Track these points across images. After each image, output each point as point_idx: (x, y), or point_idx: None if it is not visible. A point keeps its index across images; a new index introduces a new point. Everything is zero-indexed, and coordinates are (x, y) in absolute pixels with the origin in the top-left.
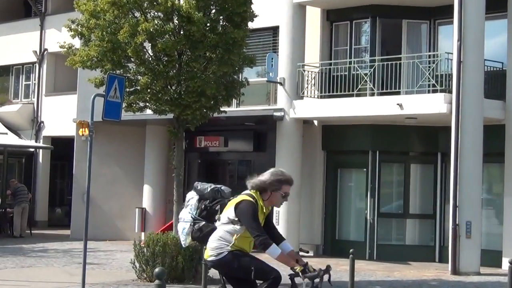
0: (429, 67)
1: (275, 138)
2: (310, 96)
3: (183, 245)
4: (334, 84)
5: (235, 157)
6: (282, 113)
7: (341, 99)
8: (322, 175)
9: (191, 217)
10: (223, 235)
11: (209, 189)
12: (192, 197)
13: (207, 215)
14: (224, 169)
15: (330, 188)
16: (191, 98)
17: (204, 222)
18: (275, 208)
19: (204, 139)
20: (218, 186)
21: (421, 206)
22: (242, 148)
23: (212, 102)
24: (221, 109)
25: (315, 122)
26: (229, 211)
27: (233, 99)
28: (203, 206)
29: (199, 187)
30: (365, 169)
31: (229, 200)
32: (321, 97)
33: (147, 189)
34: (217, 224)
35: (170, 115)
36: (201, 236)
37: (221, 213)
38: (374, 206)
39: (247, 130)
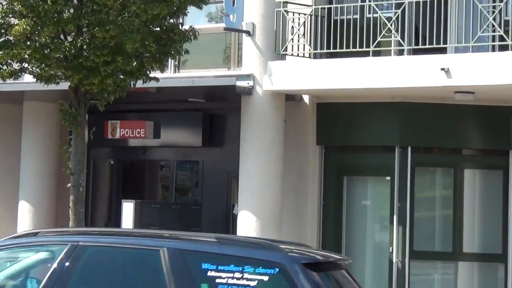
0: (493, 9)
1: (239, 124)
2: (298, 55)
3: None
4: (336, 35)
5: (172, 156)
6: (251, 83)
7: (348, 59)
8: (317, 187)
9: None
10: None
11: None
12: None
13: None
14: (154, 175)
15: (330, 210)
16: (100, 56)
17: None
18: None
19: (121, 126)
20: None
21: (482, 240)
22: (184, 141)
23: (134, 64)
24: (150, 75)
25: (306, 99)
26: None
27: (170, 59)
28: None
29: None
30: (389, 178)
31: None
32: (315, 56)
33: (23, 209)
34: None
35: (65, 85)
36: None
37: None
38: (404, 240)
39: (192, 111)
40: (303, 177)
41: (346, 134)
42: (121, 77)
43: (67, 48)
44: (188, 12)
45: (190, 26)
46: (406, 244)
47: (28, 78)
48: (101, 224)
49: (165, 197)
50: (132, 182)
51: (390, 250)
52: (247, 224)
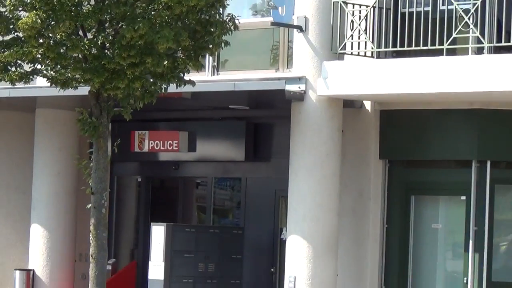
0: None
1: (288, 135)
2: (358, 54)
3: None
4: (404, 31)
5: (210, 172)
6: (303, 87)
7: (417, 59)
8: (380, 208)
9: None
10: None
11: None
12: None
13: None
14: (188, 194)
15: (395, 234)
16: (126, 58)
17: None
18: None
19: (150, 137)
20: None
21: None
22: (224, 155)
23: (165, 65)
24: (184, 78)
25: (367, 105)
26: None
27: (207, 59)
28: None
29: None
30: (464, 197)
31: None
32: (379, 55)
33: (36, 234)
34: None
35: (84, 90)
36: None
37: None
38: (481, 269)
39: (233, 120)
40: (363, 196)
41: (414, 147)
42: (151, 81)
43: (87, 47)
44: (228, 4)
45: (229, 14)
46: (483, 275)
47: (41, 81)
48: (126, 251)
49: (201, 220)
50: (163, 202)
51: (465, 281)
52: (298, 252)
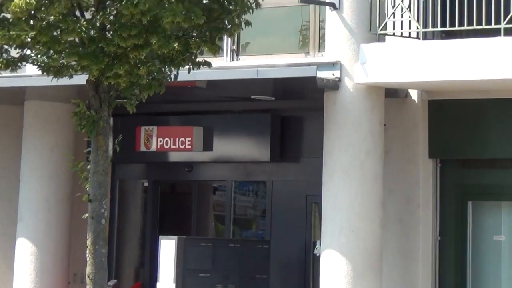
0: None
1: (321, 131)
2: (401, 35)
3: None
4: (454, 8)
5: (230, 175)
6: (337, 74)
7: (472, 40)
8: (431, 216)
9: None
10: None
11: None
12: None
13: None
14: (204, 201)
15: (450, 247)
16: (127, 39)
17: None
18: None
19: (158, 134)
20: None
21: None
22: (246, 154)
23: (175, 46)
24: (197, 60)
25: (414, 94)
26: None
27: (225, 40)
28: None
29: None
30: None
31: None
32: (426, 36)
33: (23, 251)
34: None
35: (81, 79)
36: None
37: None
38: None
39: (256, 113)
40: (411, 202)
41: (470, 143)
42: (158, 67)
43: (84, 29)
44: None
45: None
46: None
47: (31, 69)
48: (130, 269)
49: (219, 232)
50: (174, 211)
51: None
52: (334, 269)
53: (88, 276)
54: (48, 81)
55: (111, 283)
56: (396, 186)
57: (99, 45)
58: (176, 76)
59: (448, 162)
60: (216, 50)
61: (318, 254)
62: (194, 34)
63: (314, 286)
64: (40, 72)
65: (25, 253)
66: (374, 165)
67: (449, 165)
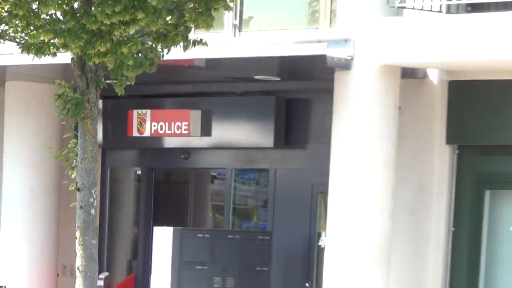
0: None
1: (330, 114)
2: (422, 8)
3: None
4: None
5: (230, 162)
6: (350, 51)
7: (499, 15)
8: (445, 206)
9: None
10: None
11: None
12: None
13: None
14: (202, 190)
15: (464, 239)
16: (111, 16)
17: None
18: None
19: (152, 118)
20: None
21: None
22: (247, 140)
23: (167, 20)
24: (192, 36)
25: (432, 75)
26: None
27: (225, 12)
28: None
29: None
30: None
31: None
32: (449, 9)
33: (8, 241)
34: None
35: (66, 57)
36: None
37: None
38: None
39: (259, 95)
40: (424, 191)
41: (491, 128)
42: (149, 43)
43: (66, 1)
44: None
45: None
46: None
47: (10, 47)
48: (122, 261)
49: (218, 223)
50: (169, 200)
51: None
52: (340, 261)
53: (78, 269)
54: (30, 60)
55: (102, 275)
56: (409, 173)
57: (80, 21)
58: (167, 52)
59: (466, 148)
60: (210, 23)
61: (323, 246)
62: (188, 6)
63: (317, 279)
64: (20, 51)
65: (11, 245)
66: (386, 151)
67: (467, 151)
